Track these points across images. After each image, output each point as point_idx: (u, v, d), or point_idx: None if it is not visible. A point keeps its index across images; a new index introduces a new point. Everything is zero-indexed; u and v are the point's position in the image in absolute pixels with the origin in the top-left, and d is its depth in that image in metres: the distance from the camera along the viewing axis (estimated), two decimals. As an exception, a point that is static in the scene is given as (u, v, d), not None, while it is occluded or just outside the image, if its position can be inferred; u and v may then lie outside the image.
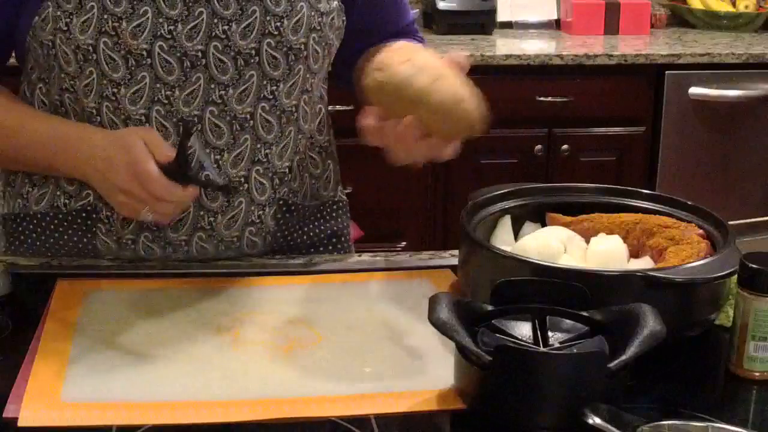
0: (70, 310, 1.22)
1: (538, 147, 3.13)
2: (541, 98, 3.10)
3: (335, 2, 1.36)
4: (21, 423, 0.98)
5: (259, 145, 1.35)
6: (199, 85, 1.29)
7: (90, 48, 1.26)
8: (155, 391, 1.04)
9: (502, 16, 3.51)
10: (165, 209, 1.24)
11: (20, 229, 1.41)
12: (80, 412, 1.00)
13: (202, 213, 1.35)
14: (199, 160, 1.28)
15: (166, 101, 1.29)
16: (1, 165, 1.43)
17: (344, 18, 1.38)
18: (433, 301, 1.02)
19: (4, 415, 0.99)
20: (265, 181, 1.37)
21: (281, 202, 1.41)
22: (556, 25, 3.56)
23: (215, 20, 1.28)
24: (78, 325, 1.18)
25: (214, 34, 1.28)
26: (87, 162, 1.27)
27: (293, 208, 1.43)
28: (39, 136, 1.31)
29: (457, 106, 1.18)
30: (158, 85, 1.28)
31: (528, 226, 1.31)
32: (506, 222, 1.30)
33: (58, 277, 1.31)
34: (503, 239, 1.28)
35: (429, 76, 1.17)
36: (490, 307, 1.07)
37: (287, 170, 1.39)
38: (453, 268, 1.33)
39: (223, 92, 1.30)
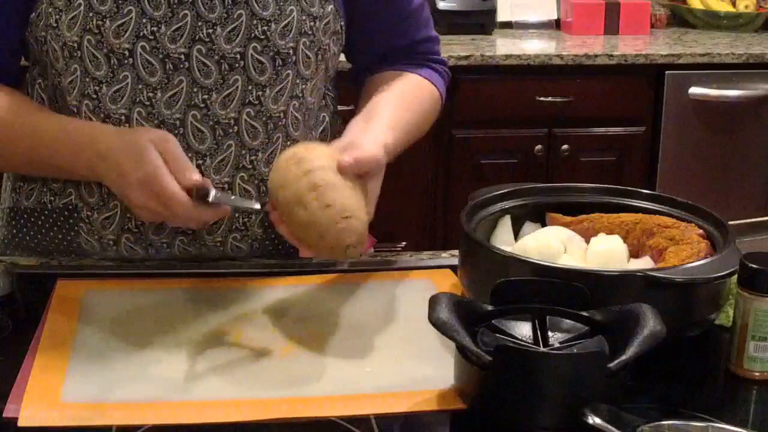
0: (70, 310, 1.22)
1: (538, 147, 3.13)
2: (541, 98, 3.10)
3: (330, 6, 1.33)
4: (21, 423, 0.98)
5: (243, 152, 1.33)
6: (182, 88, 1.28)
7: (75, 45, 1.26)
8: (155, 391, 1.04)
9: (502, 16, 3.51)
10: (188, 225, 1.22)
11: (14, 222, 1.42)
12: (80, 412, 1.00)
13: None
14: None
15: (147, 102, 1.28)
16: (20, 170, 1.39)
17: (342, 23, 1.36)
18: (433, 301, 1.02)
19: (4, 414, 0.99)
20: (250, 188, 1.35)
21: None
22: (556, 25, 3.56)
23: (199, 23, 1.26)
24: (78, 325, 1.18)
25: (197, 37, 1.27)
26: (100, 168, 1.22)
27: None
28: (51, 138, 1.28)
29: (338, 221, 1.11)
30: (140, 86, 1.27)
31: (528, 226, 1.31)
32: (506, 222, 1.30)
33: (58, 277, 1.31)
34: (503, 239, 1.28)
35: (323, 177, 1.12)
36: (490, 307, 1.07)
37: None
38: (453, 268, 1.33)
39: (206, 96, 1.29)
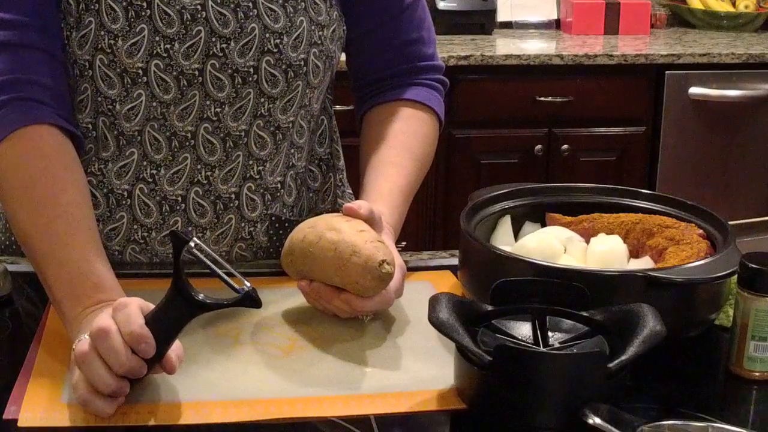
0: (70, 310, 1.22)
1: (538, 147, 3.13)
2: (541, 98, 3.11)
3: (335, 12, 1.33)
4: (21, 423, 0.98)
5: (251, 162, 1.33)
6: (195, 102, 1.27)
7: (86, 64, 1.25)
8: (154, 392, 1.04)
9: (502, 16, 3.52)
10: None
11: None
12: (80, 413, 1.00)
13: (190, 228, 1.33)
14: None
15: (160, 117, 1.28)
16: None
17: (344, 27, 1.36)
18: (433, 301, 1.02)
19: (4, 416, 0.99)
20: (256, 198, 1.35)
21: (273, 218, 1.38)
22: (556, 25, 3.57)
23: (213, 38, 1.25)
24: (78, 326, 1.18)
25: (211, 52, 1.26)
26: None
27: (287, 224, 1.39)
28: (47, 278, 1.14)
29: (372, 241, 1.12)
30: (154, 104, 1.27)
31: (528, 226, 1.31)
32: (506, 222, 1.30)
33: (58, 278, 1.30)
34: (503, 239, 1.28)
35: (319, 229, 1.15)
36: (490, 307, 1.07)
37: (279, 185, 1.37)
38: (453, 268, 1.33)
39: (218, 109, 1.28)
